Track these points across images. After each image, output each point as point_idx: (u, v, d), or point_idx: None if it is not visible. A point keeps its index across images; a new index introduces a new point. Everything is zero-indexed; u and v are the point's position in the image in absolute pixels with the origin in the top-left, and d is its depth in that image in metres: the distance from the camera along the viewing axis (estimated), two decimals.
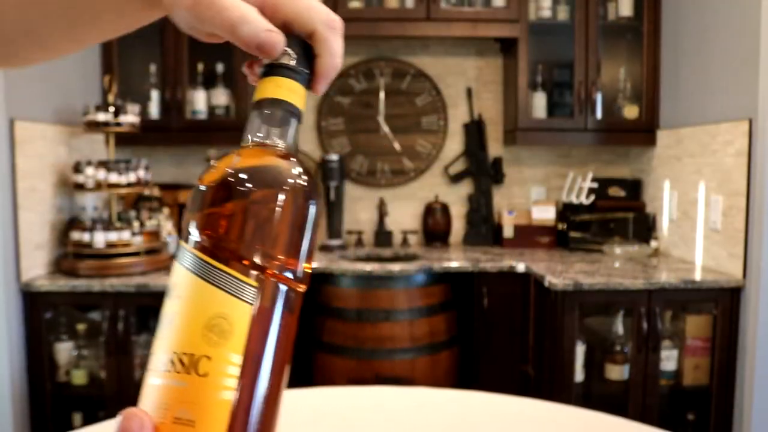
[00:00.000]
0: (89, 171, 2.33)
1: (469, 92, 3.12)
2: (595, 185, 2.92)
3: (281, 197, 0.36)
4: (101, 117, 2.36)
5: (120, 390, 2.24)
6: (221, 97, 2.81)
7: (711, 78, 2.40)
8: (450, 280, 2.63)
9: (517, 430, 1.08)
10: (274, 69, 0.40)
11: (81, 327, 2.34)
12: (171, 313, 0.35)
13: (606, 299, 2.30)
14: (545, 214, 2.99)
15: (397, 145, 3.12)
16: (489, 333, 2.57)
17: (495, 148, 3.13)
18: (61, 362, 2.31)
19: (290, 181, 0.37)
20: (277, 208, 0.36)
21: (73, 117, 2.48)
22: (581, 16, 2.75)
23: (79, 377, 2.31)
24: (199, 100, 2.78)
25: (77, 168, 2.35)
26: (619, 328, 2.39)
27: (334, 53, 0.41)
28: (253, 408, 0.34)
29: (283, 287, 0.36)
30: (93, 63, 2.70)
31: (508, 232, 2.98)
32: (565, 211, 2.96)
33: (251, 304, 0.35)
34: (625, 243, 2.81)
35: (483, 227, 3.08)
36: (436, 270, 2.52)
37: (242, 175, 0.36)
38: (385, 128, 3.11)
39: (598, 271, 2.38)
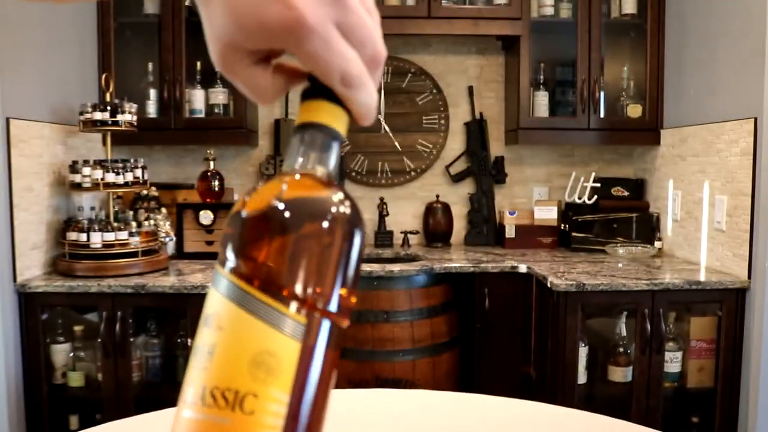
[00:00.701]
0: (86, 170, 2.31)
1: (470, 91, 3.09)
2: (598, 185, 2.89)
3: (327, 229, 0.36)
4: (98, 116, 2.33)
5: (117, 392, 2.22)
6: (220, 96, 2.79)
7: (715, 76, 2.37)
8: (451, 281, 2.61)
9: None
10: (314, 92, 0.39)
11: (78, 328, 2.32)
12: (210, 344, 0.34)
13: (609, 300, 2.28)
14: (547, 214, 2.97)
15: (397, 145, 3.09)
16: (490, 334, 2.54)
17: (496, 147, 3.11)
18: (58, 364, 2.29)
19: (334, 211, 0.36)
20: (323, 241, 0.36)
21: (70, 116, 2.46)
22: (584, 14, 2.72)
23: (75, 379, 2.29)
24: (197, 99, 2.76)
25: (74, 167, 2.33)
26: (623, 329, 2.36)
27: (358, 106, 0.39)
28: None
29: (328, 323, 0.36)
30: (90, 61, 2.68)
31: (509, 232, 2.96)
32: (568, 211, 2.93)
33: (299, 341, 0.34)
34: (629, 243, 2.79)
35: (484, 227, 3.05)
36: (437, 270, 2.50)
37: (287, 206, 0.36)
38: (386, 127, 3.08)
39: (601, 272, 2.36)
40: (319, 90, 0.38)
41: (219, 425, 0.33)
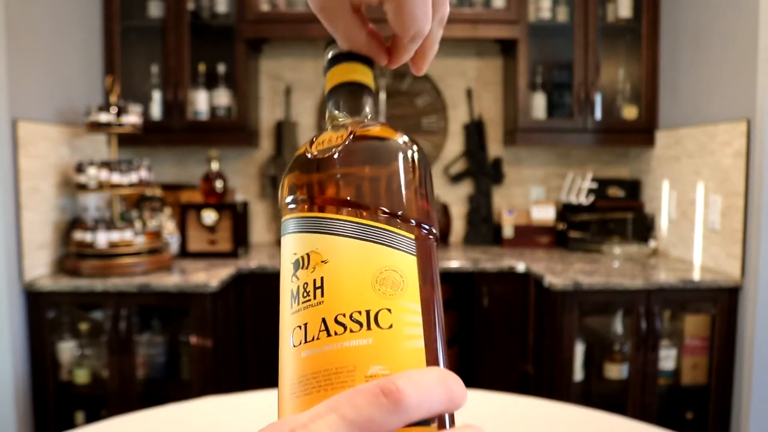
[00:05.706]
0: (91, 171, 2.34)
1: (469, 93, 3.13)
2: (594, 185, 2.93)
3: (412, 162, 0.39)
4: (103, 117, 2.37)
5: (122, 389, 2.26)
6: (223, 97, 2.82)
7: (709, 79, 2.41)
8: (450, 280, 2.64)
9: (517, 428, 1.09)
10: (334, 60, 0.43)
11: (83, 326, 2.36)
12: (312, 282, 0.35)
13: (605, 299, 2.32)
14: (545, 214, 3.00)
15: None
16: (489, 332, 2.58)
17: (495, 148, 3.15)
18: (64, 361, 2.32)
19: (411, 148, 0.39)
20: (412, 171, 0.38)
21: (76, 117, 2.50)
22: (580, 18, 2.76)
23: (81, 376, 2.32)
24: (200, 101, 2.80)
25: (80, 168, 2.36)
26: (618, 327, 2.40)
27: (401, 20, 0.40)
28: (439, 351, 0.35)
29: (428, 236, 0.38)
30: (95, 64, 2.72)
31: (507, 232, 3.00)
32: (565, 211, 2.97)
33: (414, 254, 0.36)
34: (624, 243, 2.83)
35: (483, 227, 3.09)
36: None
37: (358, 149, 0.38)
38: None
39: (598, 271, 2.40)
40: (336, 56, 0.42)
41: (360, 348, 0.33)
